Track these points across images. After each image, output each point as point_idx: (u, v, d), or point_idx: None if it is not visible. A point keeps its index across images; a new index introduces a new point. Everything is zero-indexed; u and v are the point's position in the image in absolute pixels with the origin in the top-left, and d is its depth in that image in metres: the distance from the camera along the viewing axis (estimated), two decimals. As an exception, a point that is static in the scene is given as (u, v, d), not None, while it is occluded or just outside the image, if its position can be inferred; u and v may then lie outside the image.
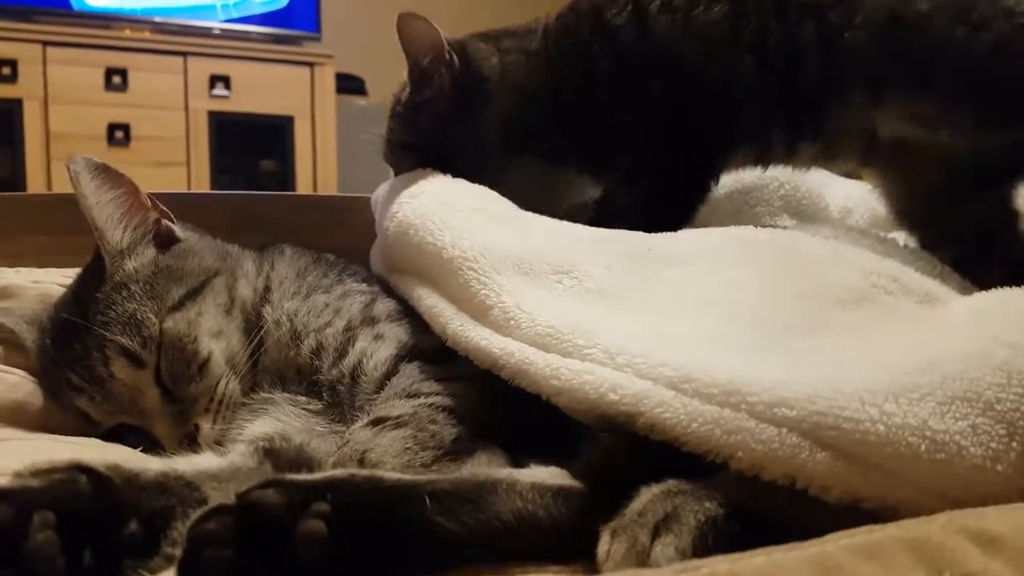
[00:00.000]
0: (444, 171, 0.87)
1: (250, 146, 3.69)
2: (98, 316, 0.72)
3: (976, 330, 0.58)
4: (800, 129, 0.87)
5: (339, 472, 0.51)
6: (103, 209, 0.75)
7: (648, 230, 0.85)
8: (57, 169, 3.31)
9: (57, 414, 0.74)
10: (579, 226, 0.80)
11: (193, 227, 0.86)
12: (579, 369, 0.55)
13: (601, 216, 0.92)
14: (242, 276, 0.81)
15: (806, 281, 0.67)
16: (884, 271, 0.70)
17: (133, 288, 0.74)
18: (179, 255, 0.79)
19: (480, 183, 0.85)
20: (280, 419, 0.72)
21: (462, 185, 0.85)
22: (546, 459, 0.62)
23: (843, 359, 0.56)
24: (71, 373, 0.72)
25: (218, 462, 0.59)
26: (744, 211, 1.15)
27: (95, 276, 0.75)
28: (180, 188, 3.47)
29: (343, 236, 1.00)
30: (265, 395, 0.75)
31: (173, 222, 0.81)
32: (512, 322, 0.62)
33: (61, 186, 3.24)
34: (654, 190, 0.91)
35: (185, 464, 0.56)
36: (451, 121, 0.90)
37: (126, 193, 0.77)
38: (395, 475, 0.52)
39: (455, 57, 0.89)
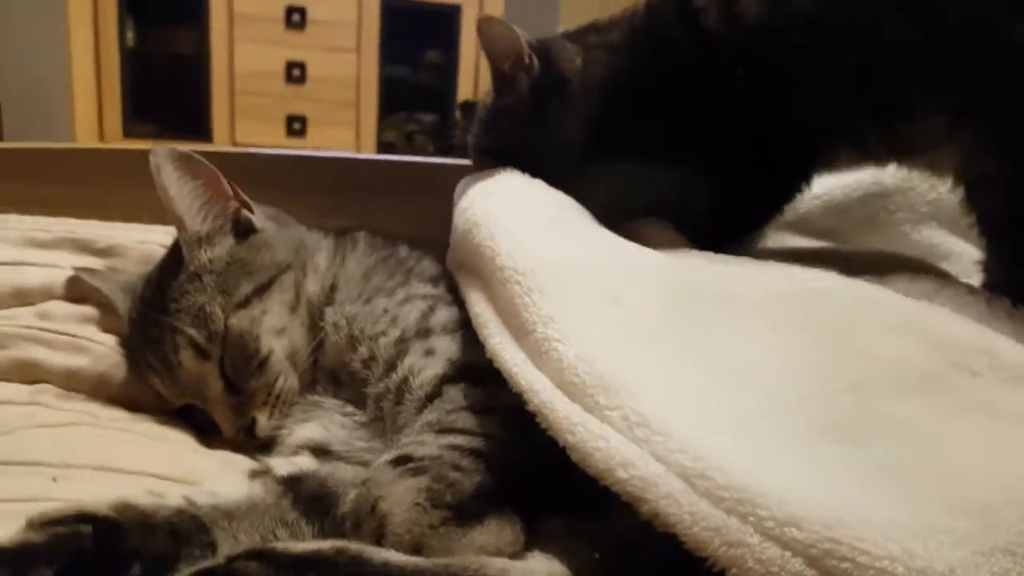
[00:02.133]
0: None
1: (418, 35, 3.70)
2: (171, 304, 0.76)
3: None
4: (896, 140, 0.79)
5: (326, 547, 0.51)
6: (183, 200, 0.77)
7: (723, 225, 0.84)
8: (240, 50, 3.48)
9: (138, 385, 0.80)
10: (645, 249, 0.76)
11: (276, 212, 0.87)
12: (595, 432, 0.52)
13: (681, 208, 0.88)
14: (311, 271, 0.82)
15: (867, 362, 0.60)
16: (976, 343, 0.61)
17: (206, 280, 0.76)
18: (254, 247, 0.80)
19: (559, 189, 0.82)
20: (327, 427, 0.74)
21: (537, 188, 0.82)
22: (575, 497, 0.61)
23: (880, 478, 0.50)
24: (148, 353, 0.77)
25: (237, 495, 0.61)
26: (880, 217, 1.04)
27: (175, 262, 0.78)
28: (349, 76, 3.56)
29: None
30: (318, 398, 0.77)
31: (252, 212, 0.82)
32: (545, 355, 0.59)
33: (243, 67, 3.45)
34: (733, 182, 0.85)
35: (205, 497, 0.59)
36: (529, 127, 0.86)
37: (206, 183, 0.79)
38: (383, 555, 0.52)
39: (535, 60, 0.85)
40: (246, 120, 3.50)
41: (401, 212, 1.08)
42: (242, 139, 3.50)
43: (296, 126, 3.56)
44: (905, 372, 0.59)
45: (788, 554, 0.43)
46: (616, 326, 0.63)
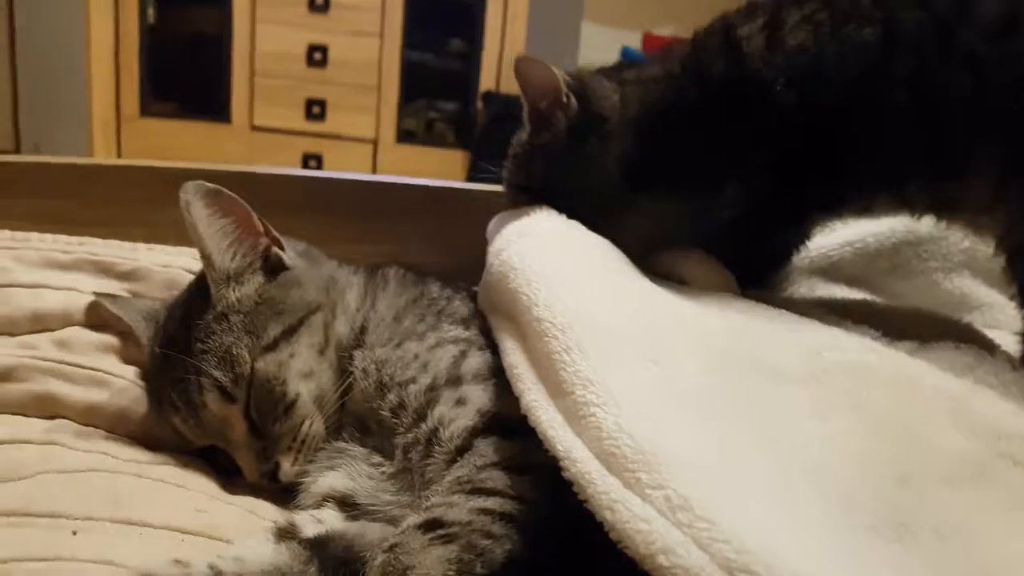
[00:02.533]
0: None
1: (442, 23, 3.66)
2: (197, 344, 0.74)
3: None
4: (937, 196, 0.78)
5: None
6: (212, 237, 0.75)
7: (754, 252, 0.84)
8: (262, 31, 3.44)
9: (157, 423, 0.78)
10: (684, 297, 0.74)
11: (306, 248, 0.85)
12: (636, 513, 0.50)
13: (714, 237, 0.87)
14: (341, 313, 0.80)
15: (914, 452, 0.58)
16: (1019, 429, 0.60)
17: (233, 320, 0.75)
18: (284, 285, 0.78)
19: (592, 229, 0.81)
20: (352, 477, 0.72)
21: (574, 230, 0.81)
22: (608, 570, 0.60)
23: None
24: (170, 392, 0.75)
25: (263, 562, 0.60)
26: (913, 265, 1.02)
27: (201, 299, 0.77)
28: (371, 61, 3.52)
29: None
30: (343, 445, 0.75)
31: (283, 249, 0.80)
32: (584, 420, 0.57)
33: (264, 48, 3.41)
34: (763, 209, 0.84)
35: (230, 564, 0.58)
36: (566, 165, 0.85)
37: (237, 220, 0.77)
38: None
39: (572, 99, 0.84)
40: (265, 102, 3.47)
41: (425, 235, 1.07)
42: (260, 122, 3.47)
43: (316, 110, 3.52)
44: (951, 462, 0.57)
45: None
46: (656, 390, 0.61)
